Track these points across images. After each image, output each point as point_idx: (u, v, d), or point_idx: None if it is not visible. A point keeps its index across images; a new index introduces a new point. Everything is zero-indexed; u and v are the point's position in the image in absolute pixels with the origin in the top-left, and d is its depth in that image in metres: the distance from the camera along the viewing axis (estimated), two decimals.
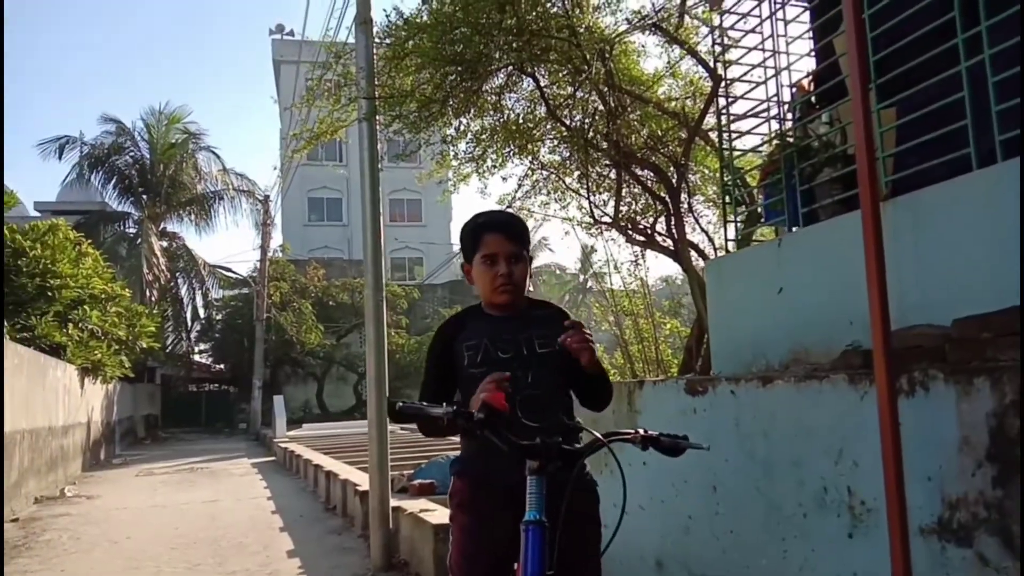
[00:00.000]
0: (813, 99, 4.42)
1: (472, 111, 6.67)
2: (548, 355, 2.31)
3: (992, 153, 2.91)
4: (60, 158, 27.11)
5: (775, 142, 4.54)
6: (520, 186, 7.69)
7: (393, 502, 5.62)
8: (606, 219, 7.10)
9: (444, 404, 1.97)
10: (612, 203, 6.92)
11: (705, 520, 3.41)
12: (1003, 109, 2.87)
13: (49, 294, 12.52)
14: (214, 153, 30.26)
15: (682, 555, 3.55)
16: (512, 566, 2.12)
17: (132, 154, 28.18)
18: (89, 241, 15.49)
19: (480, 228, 2.38)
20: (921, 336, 2.85)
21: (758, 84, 4.69)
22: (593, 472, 4.21)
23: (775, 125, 4.63)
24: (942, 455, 2.43)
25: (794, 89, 4.60)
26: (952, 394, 2.40)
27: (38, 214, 26.03)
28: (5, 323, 10.91)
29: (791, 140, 4.27)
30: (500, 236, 2.33)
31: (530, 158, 7.31)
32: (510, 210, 2.47)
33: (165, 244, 28.08)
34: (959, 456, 2.38)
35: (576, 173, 7.31)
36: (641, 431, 2.06)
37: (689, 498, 3.52)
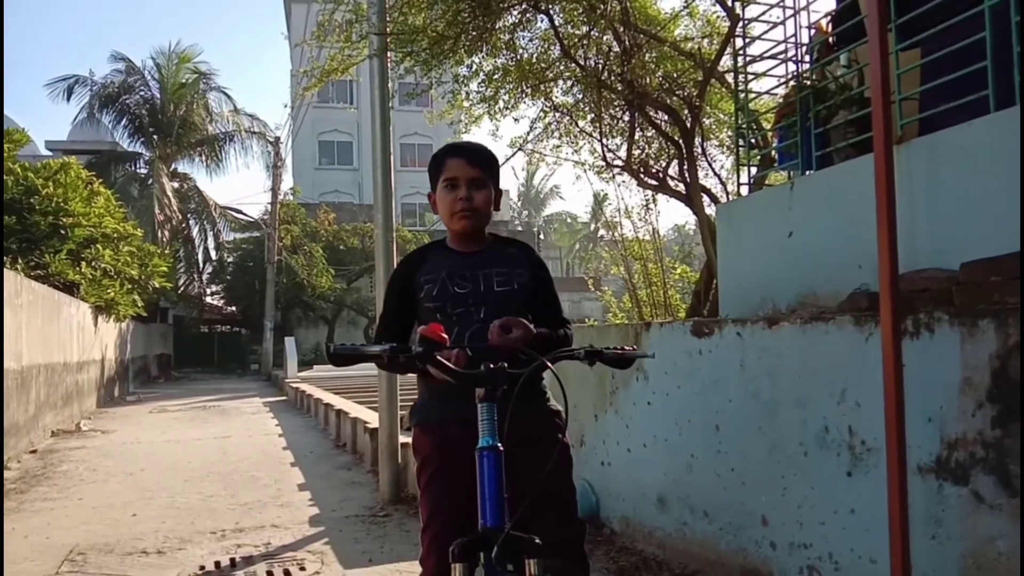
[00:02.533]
0: (831, 40, 4.34)
1: (485, 50, 6.58)
2: (506, 294, 2.27)
3: (1012, 95, 2.86)
4: (68, 99, 26.99)
5: (791, 84, 4.48)
6: (532, 128, 7.63)
7: (402, 439, 5.71)
8: (619, 162, 7.04)
9: (383, 342, 1.92)
10: (625, 146, 6.86)
11: (707, 458, 3.47)
12: None
13: (62, 232, 12.57)
14: (225, 94, 30.01)
15: (684, 492, 3.62)
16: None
17: (142, 93, 27.98)
18: (100, 180, 15.49)
19: (443, 154, 2.33)
20: (929, 279, 2.84)
21: (776, 24, 4.61)
22: (598, 411, 4.28)
23: (792, 67, 4.56)
24: (943, 396, 2.45)
25: (812, 30, 4.52)
26: (956, 336, 2.41)
27: (49, 153, 26.01)
28: (20, 260, 11.02)
29: (808, 82, 4.20)
30: (462, 160, 2.28)
31: (543, 99, 7.23)
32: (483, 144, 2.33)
33: (176, 185, 28.04)
34: (960, 397, 2.40)
35: (589, 116, 7.23)
36: (587, 346, 2.02)
37: (692, 437, 3.57)
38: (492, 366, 1.85)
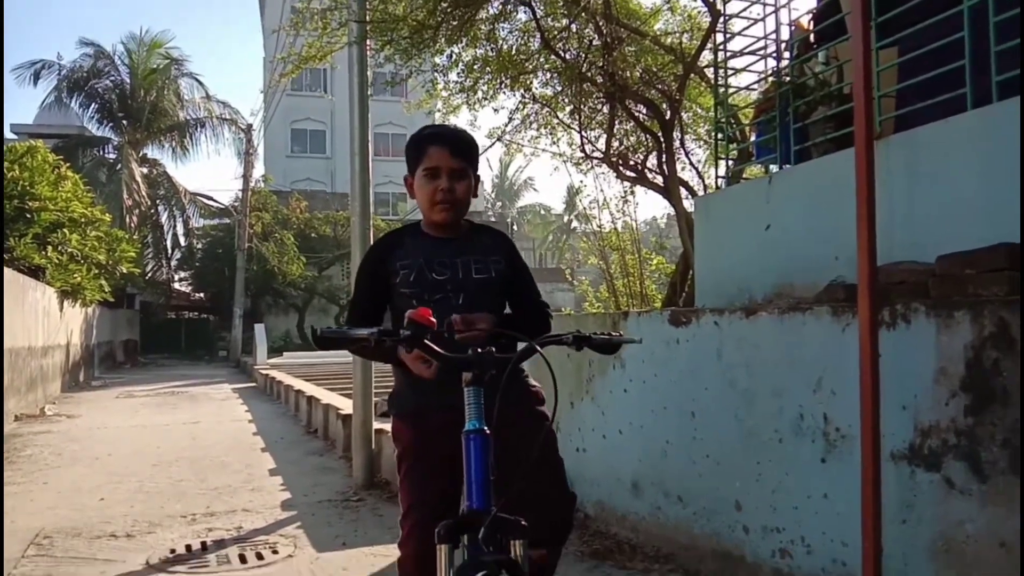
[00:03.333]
0: (811, 37, 4.40)
1: (465, 40, 6.56)
2: (484, 281, 2.27)
3: (989, 93, 2.92)
4: (35, 83, 26.53)
5: (771, 80, 4.53)
6: (511, 119, 7.62)
7: (376, 424, 5.70)
8: (597, 154, 7.08)
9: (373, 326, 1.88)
10: (604, 138, 6.89)
11: (683, 445, 3.50)
12: (1002, 49, 2.88)
13: (28, 216, 12.32)
14: (196, 80, 29.61)
15: (658, 477, 3.66)
16: (459, 491, 2.14)
17: (112, 78, 27.49)
18: (68, 165, 15.18)
19: (424, 140, 2.27)
20: (905, 272, 2.90)
21: (756, 21, 4.66)
22: (575, 399, 4.31)
23: (772, 63, 4.62)
24: (918, 385, 2.51)
25: (792, 27, 4.57)
26: (932, 327, 2.47)
27: (15, 136, 25.43)
28: None
29: (787, 78, 4.26)
30: (444, 150, 2.22)
31: (522, 91, 7.23)
32: (463, 127, 2.31)
33: (145, 171, 27.59)
34: (934, 386, 2.46)
35: (568, 108, 7.25)
36: (574, 332, 2.00)
37: (668, 424, 3.61)
38: (480, 350, 1.85)
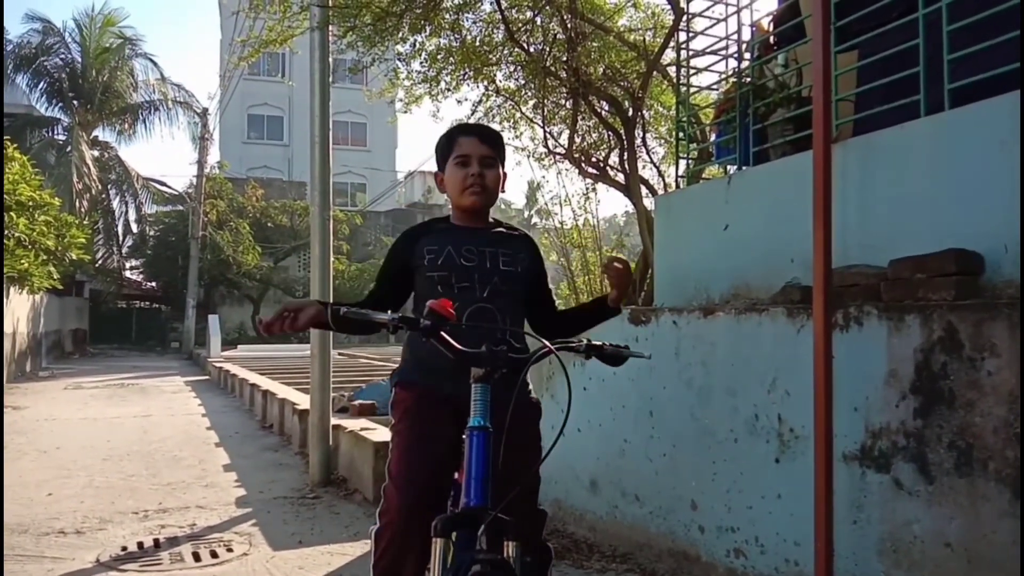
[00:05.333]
0: (771, 39, 4.45)
1: (428, 29, 6.51)
2: (510, 274, 2.30)
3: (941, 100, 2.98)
4: None
5: (731, 80, 4.57)
6: (474, 111, 7.58)
7: (334, 420, 5.65)
8: (560, 150, 7.08)
9: (389, 311, 1.93)
10: (566, 134, 6.90)
11: (640, 443, 3.54)
12: (954, 58, 2.94)
13: None
14: (151, 61, 29.00)
15: (616, 476, 3.69)
16: (450, 476, 2.14)
17: (62, 56, 26.62)
18: (15, 145, 14.70)
19: (455, 132, 2.37)
20: (858, 275, 2.96)
21: (719, 21, 4.69)
22: (535, 396, 4.31)
23: (733, 63, 4.66)
24: (869, 387, 2.56)
25: (753, 28, 4.62)
26: (884, 330, 2.52)
27: None
28: None
29: (747, 79, 4.30)
30: (474, 138, 2.32)
31: (486, 83, 7.20)
32: None
33: (97, 153, 26.82)
34: (885, 388, 2.52)
35: (532, 102, 7.24)
36: (586, 340, 2.05)
37: (626, 422, 3.64)
38: (495, 348, 1.86)
